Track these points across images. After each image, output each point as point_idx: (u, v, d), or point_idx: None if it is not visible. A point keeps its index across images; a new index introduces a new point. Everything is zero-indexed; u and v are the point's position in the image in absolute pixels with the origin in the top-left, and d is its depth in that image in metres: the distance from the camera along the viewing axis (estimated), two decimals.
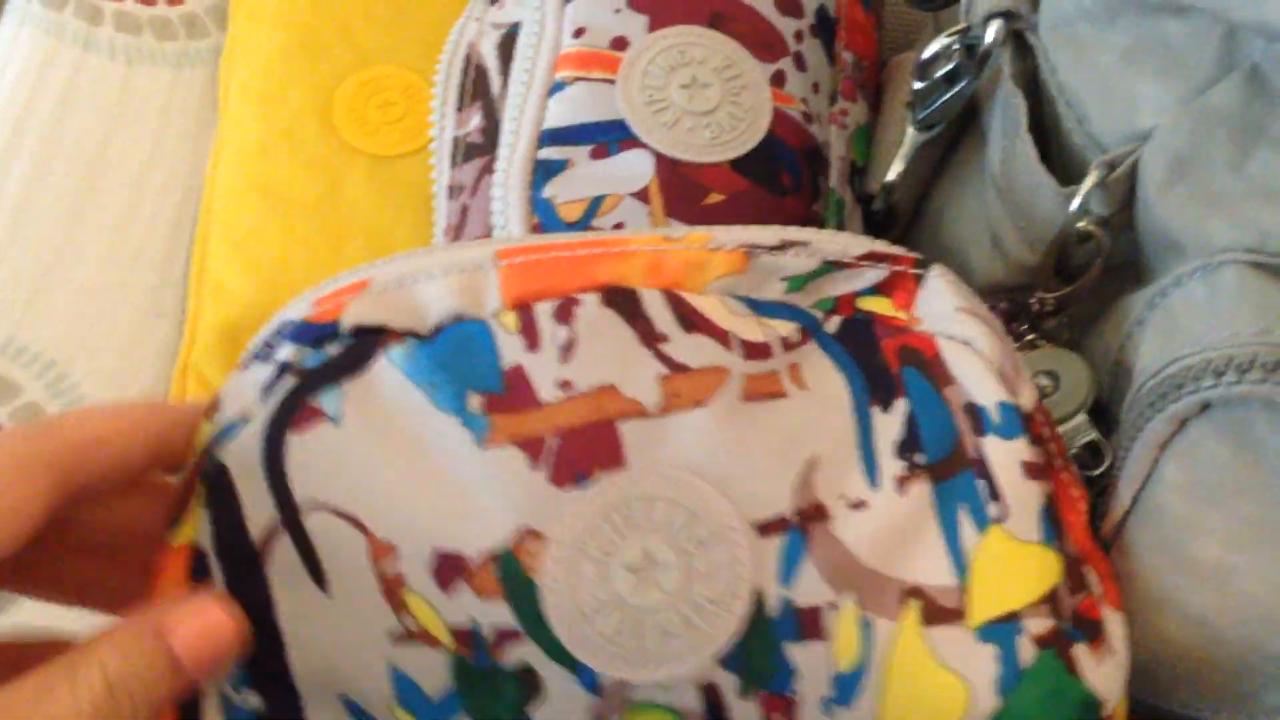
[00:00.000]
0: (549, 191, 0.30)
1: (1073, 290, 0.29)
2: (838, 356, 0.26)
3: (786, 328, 0.26)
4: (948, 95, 0.32)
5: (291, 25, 0.41)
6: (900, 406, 0.26)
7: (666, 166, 0.30)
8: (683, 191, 0.30)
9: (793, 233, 0.27)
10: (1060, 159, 0.29)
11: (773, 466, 0.25)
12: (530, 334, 0.25)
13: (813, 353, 0.26)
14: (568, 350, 0.25)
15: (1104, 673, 0.26)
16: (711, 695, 0.26)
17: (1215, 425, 0.23)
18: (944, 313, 0.26)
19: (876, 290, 0.27)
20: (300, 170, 0.39)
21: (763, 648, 0.25)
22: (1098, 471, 0.27)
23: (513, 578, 0.25)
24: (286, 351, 0.26)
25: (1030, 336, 0.31)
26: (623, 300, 0.26)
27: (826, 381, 0.26)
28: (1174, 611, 0.25)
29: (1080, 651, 0.26)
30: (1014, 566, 0.26)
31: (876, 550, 0.25)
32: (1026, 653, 0.25)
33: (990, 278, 0.31)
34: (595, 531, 0.25)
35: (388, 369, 0.25)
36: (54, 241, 0.38)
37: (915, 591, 0.25)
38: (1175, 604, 0.25)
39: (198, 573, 0.25)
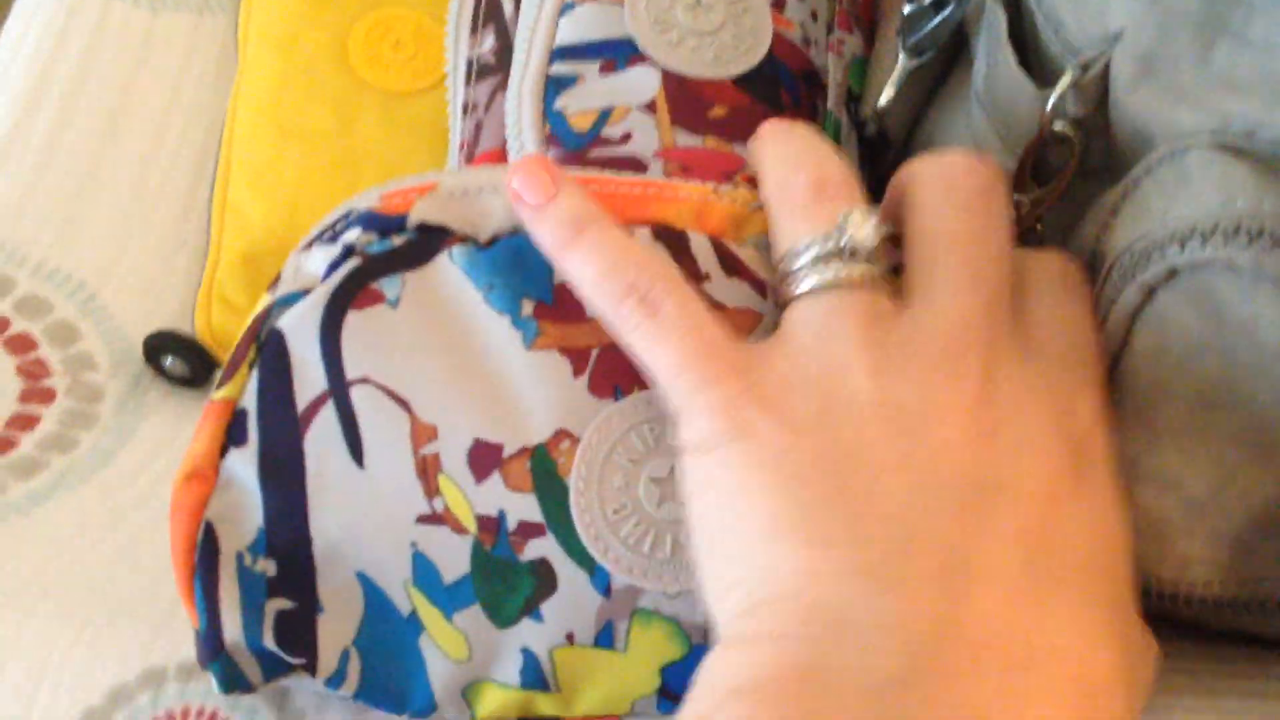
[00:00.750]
0: (560, 103, 0.32)
1: (1048, 190, 0.30)
2: None
3: None
4: (935, 21, 0.34)
5: None
6: None
7: (673, 81, 0.31)
8: (688, 104, 0.31)
9: None
10: (1038, 68, 0.31)
11: None
12: None
13: None
14: None
15: None
16: None
17: (1181, 291, 0.25)
18: None
19: None
20: (316, 106, 0.40)
21: None
22: None
23: (545, 474, 0.27)
24: (353, 235, 0.27)
25: None
26: (671, 237, 0.27)
27: None
28: (1147, 477, 0.27)
29: None
30: None
31: None
32: None
33: None
34: (625, 442, 0.27)
35: (448, 266, 0.27)
36: (83, 174, 0.40)
37: None
38: (1148, 471, 0.27)
39: (235, 431, 0.27)
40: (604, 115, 0.31)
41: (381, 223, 0.27)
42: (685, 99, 0.31)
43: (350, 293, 0.27)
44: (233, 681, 0.28)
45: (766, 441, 0.23)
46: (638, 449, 0.27)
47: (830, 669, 0.21)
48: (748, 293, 0.27)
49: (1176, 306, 0.25)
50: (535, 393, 0.27)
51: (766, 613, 0.22)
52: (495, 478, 0.27)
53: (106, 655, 0.29)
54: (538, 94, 0.32)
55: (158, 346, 0.37)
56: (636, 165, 0.30)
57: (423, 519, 0.27)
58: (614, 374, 0.27)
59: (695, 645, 0.28)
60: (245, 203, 0.39)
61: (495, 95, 0.33)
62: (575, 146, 0.31)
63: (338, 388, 0.27)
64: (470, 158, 0.34)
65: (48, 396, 0.36)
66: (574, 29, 0.32)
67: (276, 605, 0.27)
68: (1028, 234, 0.31)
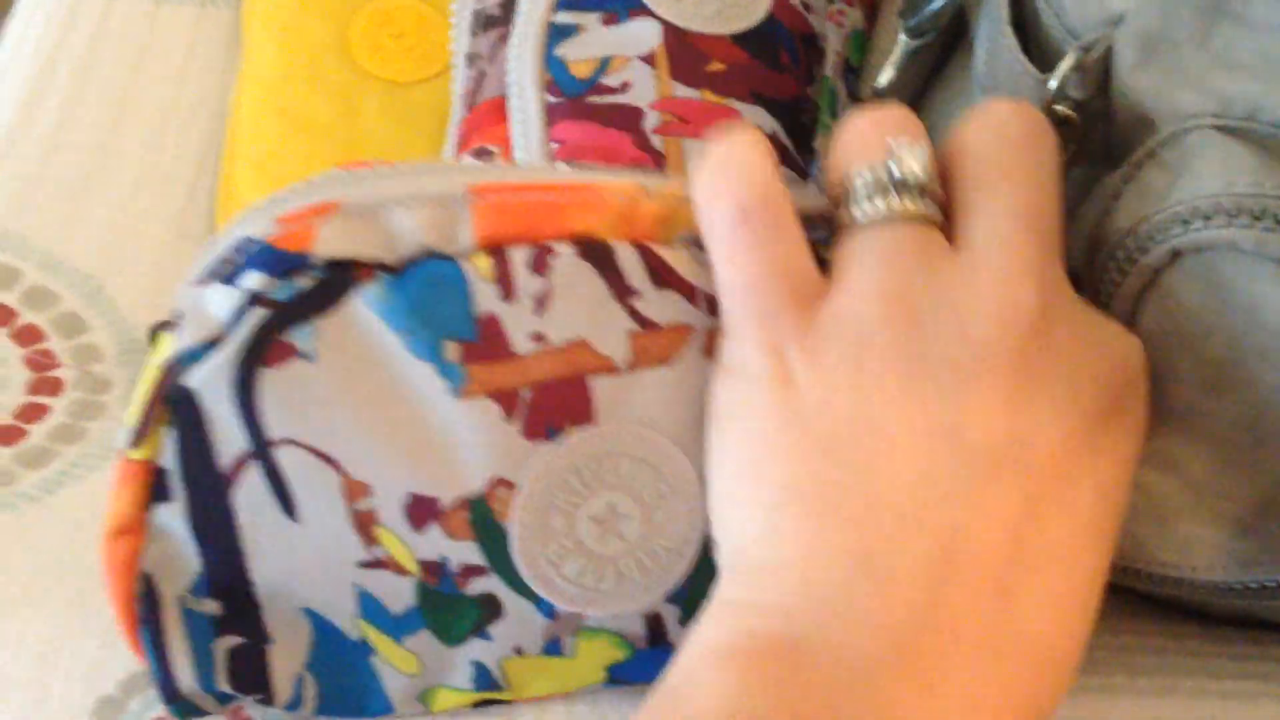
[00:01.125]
0: (561, 51, 0.32)
1: None
2: None
3: None
4: (937, 3, 0.34)
5: None
6: None
7: (672, 34, 0.32)
8: (686, 58, 0.32)
9: None
10: (1039, 52, 0.31)
11: None
12: (505, 284, 0.25)
13: None
14: (542, 303, 0.25)
15: None
16: (655, 624, 0.28)
17: (1185, 272, 0.25)
18: None
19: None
20: (319, 96, 0.41)
21: (705, 584, 0.27)
22: None
23: (484, 523, 0.26)
24: (255, 280, 0.25)
25: None
26: (597, 253, 0.25)
27: None
28: (1149, 459, 0.27)
29: None
30: None
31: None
32: None
33: None
34: (564, 484, 0.26)
35: (361, 310, 0.25)
36: (88, 166, 0.40)
37: None
38: (1150, 452, 0.27)
39: (158, 490, 0.26)
40: (604, 64, 0.32)
41: (282, 262, 0.25)
42: (684, 52, 0.32)
43: (261, 348, 0.25)
44: (190, 713, 0.28)
45: (800, 395, 0.23)
46: (576, 489, 0.26)
47: (814, 646, 0.21)
48: (678, 304, 0.26)
49: (1180, 289, 0.25)
50: (468, 441, 0.26)
51: (761, 580, 0.23)
52: (434, 528, 0.26)
53: (119, 644, 0.29)
54: (540, 41, 0.32)
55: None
56: (633, 113, 0.31)
57: (364, 564, 0.27)
58: (546, 414, 0.26)
59: (639, 650, 0.28)
60: (249, 192, 0.39)
61: (498, 46, 0.34)
62: (574, 93, 0.31)
63: (260, 449, 0.25)
64: (471, 105, 0.34)
65: (56, 387, 0.36)
66: None
67: (226, 643, 0.27)
68: None
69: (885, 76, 0.36)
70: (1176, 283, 0.25)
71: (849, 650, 0.21)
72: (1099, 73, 0.28)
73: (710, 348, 0.26)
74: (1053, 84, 0.28)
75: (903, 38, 0.35)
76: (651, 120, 0.31)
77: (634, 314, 0.26)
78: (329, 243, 0.25)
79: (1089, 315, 0.25)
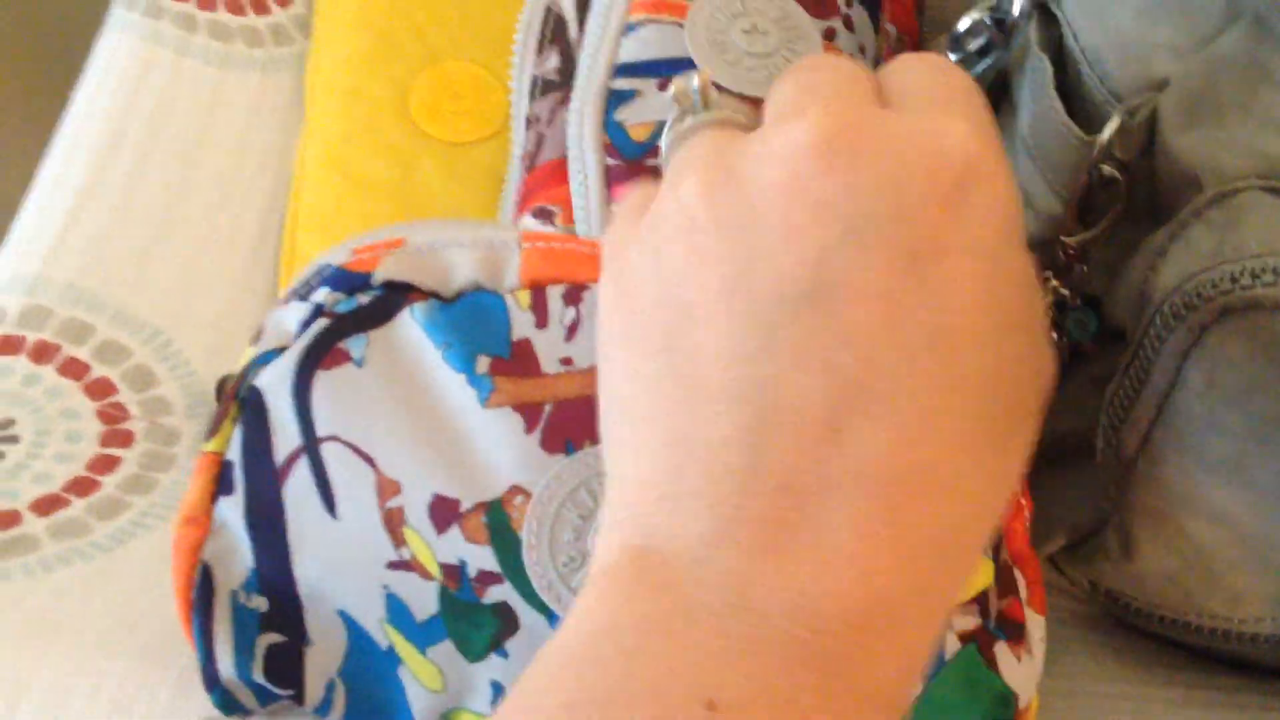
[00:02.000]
0: (620, 115, 0.33)
1: (1095, 234, 0.31)
2: None
3: None
4: (979, 68, 0.35)
5: (370, 27, 0.44)
6: None
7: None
8: None
9: None
10: (1083, 114, 0.32)
11: None
12: (541, 312, 0.28)
13: None
14: (572, 330, 0.28)
15: (1021, 671, 0.29)
16: None
17: (1233, 330, 0.26)
18: None
19: None
20: (379, 157, 0.42)
21: None
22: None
23: (499, 528, 0.28)
24: (323, 294, 0.29)
25: (1054, 284, 0.33)
26: None
27: None
28: (1198, 510, 0.27)
29: (1001, 649, 0.28)
30: None
31: None
32: (950, 645, 0.28)
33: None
34: (576, 496, 0.28)
35: (409, 323, 0.28)
36: (156, 224, 0.41)
37: None
38: (1198, 502, 0.27)
39: (223, 481, 0.29)
40: (661, 127, 0.33)
41: (350, 281, 0.28)
42: None
43: (319, 352, 0.28)
44: (231, 707, 0.30)
45: (629, 297, 0.23)
46: (588, 503, 0.28)
47: (660, 545, 0.20)
48: None
49: (1228, 345, 0.26)
50: (491, 449, 0.28)
51: (617, 496, 0.22)
52: (454, 530, 0.28)
53: (192, 691, 0.30)
54: (599, 106, 0.33)
55: None
56: None
57: (392, 565, 0.28)
58: (566, 429, 0.28)
59: None
60: (312, 250, 0.41)
61: (557, 110, 0.35)
62: (633, 155, 0.33)
63: (310, 444, 0.28)
64: (531, 166, 0.35)
65: (127, 439, 0.37)
66: (635, 48, 0.34)
67: (268, 640, 0.29)
68: (1079, 283, 0.32)
69: None
70: (1224, 339, 0.26)
71: (688, 540, 0.20)
72: (1143, 134, 0.29)
73: None
74: (1097, 147, 0.29)
75: None
76: None
77: None
78: (391, 269, 0.29)
79: (905, 122, 0.22)
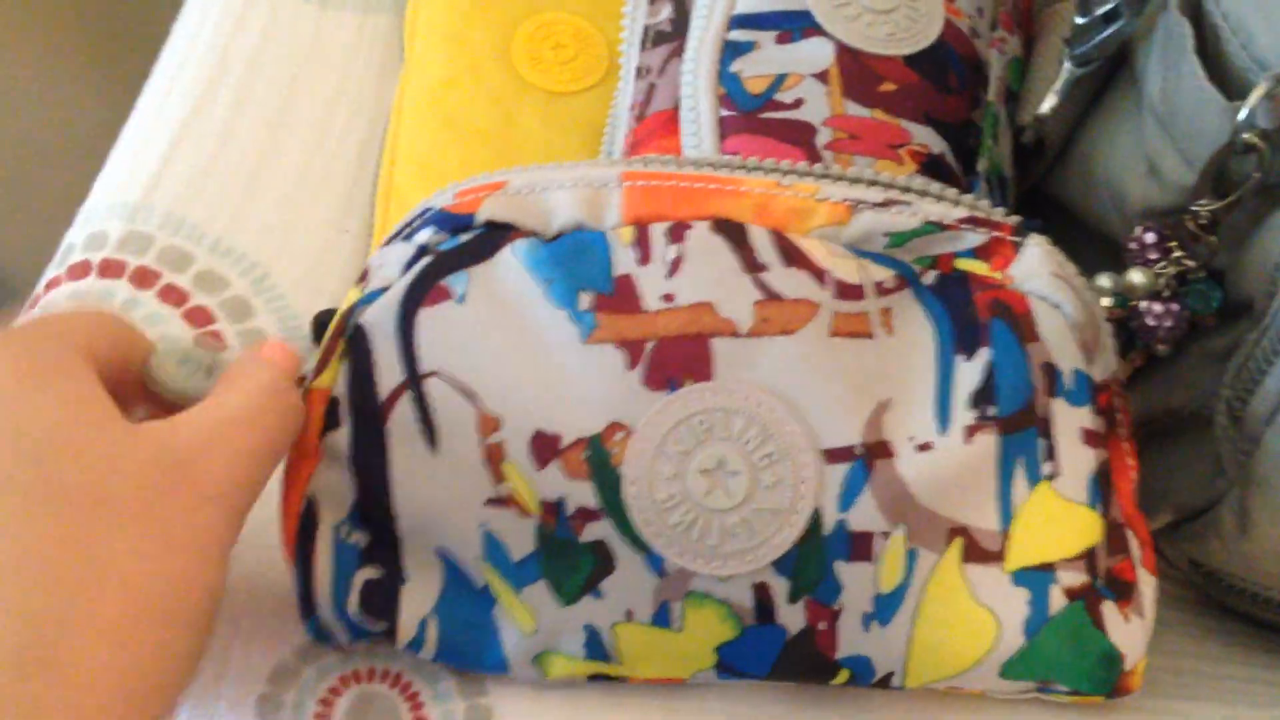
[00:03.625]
0: (736, 67, 0.33)
1: (1229, 202, 0.30)
2: (930, 305, 0.28)
3: (883, 273, 0.29)
4: (1106, 33, 0.34)
5: None
6: (983, 355, 0.28)
7: (846, 55, 0.33)
8: (859, 77, 0.32)
9: (897, 191, 0.29)
10: (1221, 84, 0.31)
11: (848, 400, 0.27)
12: (643, 248, 0.28)
13: (906, 300, 0.28)
14: (675, 266, 0.28)
15: (1129, 630, 0.28)
16: (763, 595, 0.28)
17: None
18: (1038, 275, 0.29)
19: (975, 254, 0.29)
20: (480, 102, 0.42)
21: (814, 560, 0.28)
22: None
23: (599, 463, 0.28)
24: (426, 234, 0.29)
25: (1178, 254, 0.33)
26: (730, 229, 0.28)
27: (915, 327, 0.28)
28: None
29: (1108, 608, 0.28)
30: (1057, 522, 0.28)
31: (933, 490, 0.27)
32: (1056, 601, 0.28)
33: (1145, 202, 0.33)
34: (677, 433, 0.28)
35: (510, 260, 0.28)
36: (255, 159, 0.41)
37: (961, 530, 0.27)
38: None
39: (330, 417, 0.29)
40: (778, 80, 0.32)
41: (453, 222, 0.29)
42: (857, 72, 0.33)
43: (422, 290, 0.28)
44: (325, 639, 0.30)
45: None
46: (687, 441, 0.28)
47: None
48: (806, 282, 0.28)
49: None
50: (591, 385, 0.28)
51: None
52: (554, 466, 0.28)
53: (296, 613, 0.30)
54: (715, 57, 0.33)
55: (326, 323, 0.38)
56: (806, 129, 0.31)
57: (490, 502, 0.28)
58: (668, 367, 0.27)
59: (747, 627, 0.29)
60: (409, 191, 0.41)
61: (669, 60, 0.35)
62: (748, 108, 0.32)
63: (413, 380, 0.28)
64: (641, 117, 0.35)
65: None
66: (753, 0, 0.34)
67: (366, 574, 0.29)
68: (1204, 254, 0.32)
69: (1048, 104, 0.36)
70: None
71: None
72: None
73: (837, 329, 0.28)
74: (1243, 113, 0.29)
75: (1068, 65, 0.36)
76: (824, 136, 0.32)
77: (760, 285, 0.28)
78: (493, 210, 0.29)
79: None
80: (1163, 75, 0.32)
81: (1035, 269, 0.29)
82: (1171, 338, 0.32)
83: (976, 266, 0.29)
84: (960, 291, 0.29)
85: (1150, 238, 0.32)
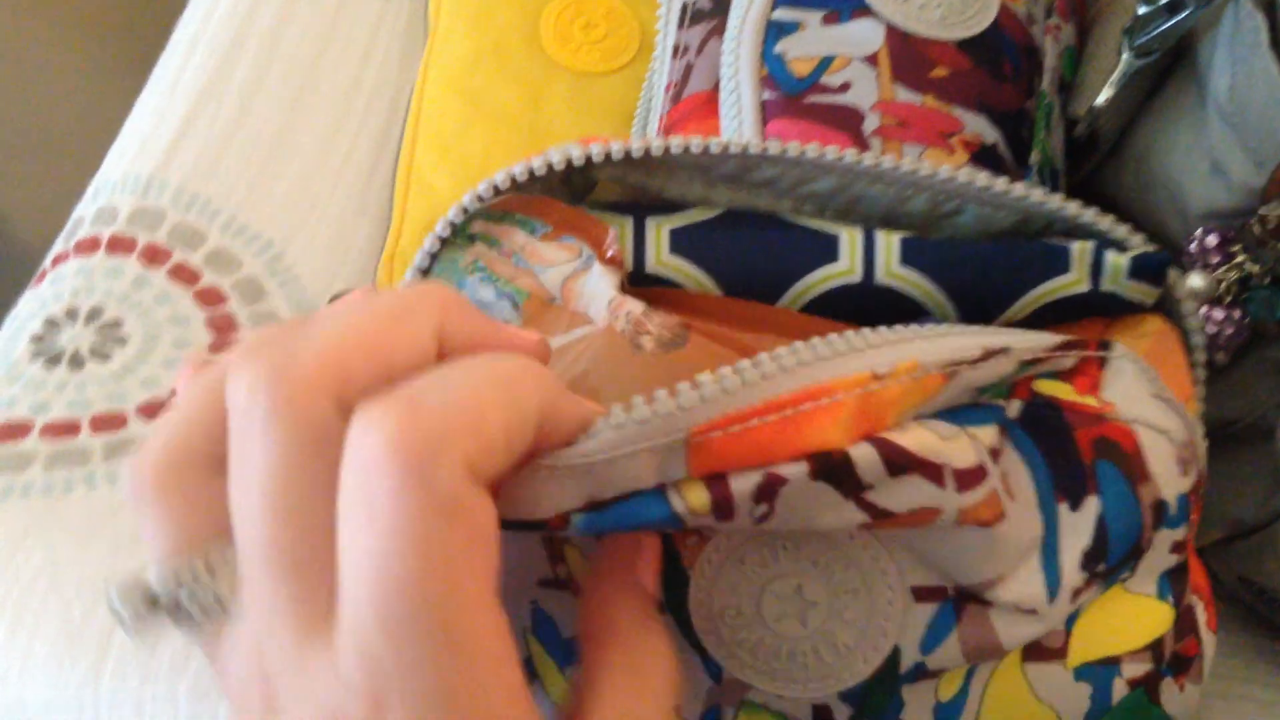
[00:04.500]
0: (780, 48, 0.31)
1: None
2: (1024, 448, 0.25)
3: (990, 435, 0.24)
4: (1169, 23, 0.33)
5: None
6: (1091, 506, 0.24)
7: (897, 37, 0.31)
8: (910, 61, 0.31)
9: (992, 339, 0.24)
10: None
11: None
12: (725, 511, 0.22)
13: (1009, 451, 0.25)
14: (763, 519, 0.23)
15: (1184, 699, 0.27)
16: (823, 714, 0.26)
17: None
18: (1139, 399, 0.25)
19: (1056, 375, 0.25)
20: (506, 82, 0.40)
21: (885, 693, 0.25)
22: None
23: (668, 559, 0.25)
24: None
25: (1241, 259, 0.31)
26: (834, 471, 0.22)
27: (1017, 476, 0.24)
28: None
29: (1166, 685, 0.26)
30: (1124, 616, 0.26)
31: (1018, 632, 0.24)
32: (1119, 691, 0.25)
33: (1209, 204, 0.32)
34: (758, 550, 0.25)
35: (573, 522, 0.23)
36: (272, 137, 0.40)
37: (1029, 612, 0.24)
38: None
39: None
40: (825, 63, 0.31)
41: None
42: (908, 55, 0.31)
43: None
44: None
45: None
46: (768, 559, 0.25)
47: None
48: (921, 488, 0.23)
49: None
50: None
51: None
52: None
53: None
54: (758, 36, 0.31)
55: None
56: (853, 114, 0.30)
57: (544, 583, 0.26)
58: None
59: None
60: (431, 172, 0.39)
61: (709, 39, 0.33)
62: (792, 91, 0.31)
63: None
64: (677, 99, 0.33)
65: None
66: None
67: None
68: (1270, 258, 0.30)
69: (1104, 95, 0.34)
70: None
71: None
72: None
73: (963, 519, 0.23)
74: None
75: (1127, 56, 0.34)
76: (871, 122, 0.30)
77: (864, 505, 0.23)
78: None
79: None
80: (1231, 71, 0.31)
81: (1134, 392, 0.24)
82: (1231, 345, 0.30)
83: (1060, 390, 0.25)
84: (1056, 427, 0.24)
85: (1212, 240, 0.31)
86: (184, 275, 0.37)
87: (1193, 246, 0.31)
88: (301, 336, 0.18)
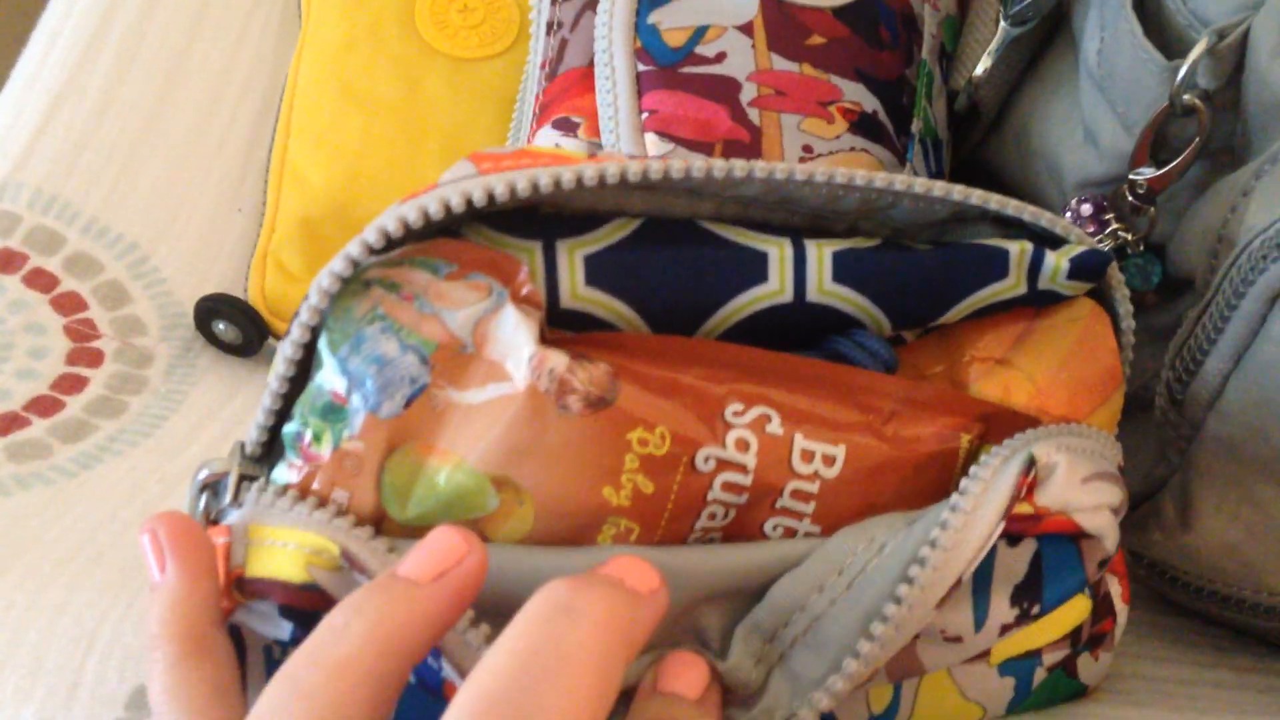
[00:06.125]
0: (654, 18, 0.31)
1: (1170, 169, 0.28)
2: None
3: None
4: None
5: None
6: (1028, 545, 0.24)
7: (771, 5, 0.31)
8: (786, 29, 0.30)
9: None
10: (1161, 42, 0.29)
11: None
12: None
13: None
14: None
15: (1099, 667, 0.27)
16: None
17: None
18: (1072, 489, 0.24)
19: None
20: (381, 69, 0.39)
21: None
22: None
23: None
24: None
25: (1115, 227, 0.31)
26: None
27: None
28: (1273, 474, 0.25)
29: (1083, 660, 0.26)
30: (1047, 619, 0.25)
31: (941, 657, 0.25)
32: (1039, 677, 0.26)
33: (1082, 173, 0.31)
34: None
35: None
36: (137, 132, 0.38)
37: (953, 639, 0.24)
38: (1275, 466, 0.25)
39: None
40: (699, 33, 0.30)
41: None
42: (784, 24, 0.30)
43: None
44: None
45: None
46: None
47: None
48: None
49: None
50: None
51: None
52: None
53: None
54: (631, 7, 0.31)
55: (210, 311, 0.35)
56: (730, 85, 0.29)
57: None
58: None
59: None
60: (305, 166, 0.38)
61: (583, 14, 0.32)
62: (667, 62, 0.30)
63: None
64: (552, 75, 0.32)
65: (96, 359, 0.34)
66: None
67: None
68: (1143, 227, 0.30)
69: (982, 66, 0.34)
70: None
71: None
72: (1233, 60, 0.27)
73: None
74: (1182, 71, 0.27)
75: (1004, 25, 0.33)
76: (749, 92, 0.30)
77: None
78: None
79: None
80: (1100, 35, 0.30)
81: (1067, 486, 0.24)
82: None
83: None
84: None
85: (1086, 209, 0.30)
86: (40, 281, 0.35)
87: (1068, 216, 0.30)
88: None
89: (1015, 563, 0.24)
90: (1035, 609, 0.24)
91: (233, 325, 0.35)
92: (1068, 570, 0.24)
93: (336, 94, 0.39)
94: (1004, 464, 0.23)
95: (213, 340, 0.36)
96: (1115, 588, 0.27)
